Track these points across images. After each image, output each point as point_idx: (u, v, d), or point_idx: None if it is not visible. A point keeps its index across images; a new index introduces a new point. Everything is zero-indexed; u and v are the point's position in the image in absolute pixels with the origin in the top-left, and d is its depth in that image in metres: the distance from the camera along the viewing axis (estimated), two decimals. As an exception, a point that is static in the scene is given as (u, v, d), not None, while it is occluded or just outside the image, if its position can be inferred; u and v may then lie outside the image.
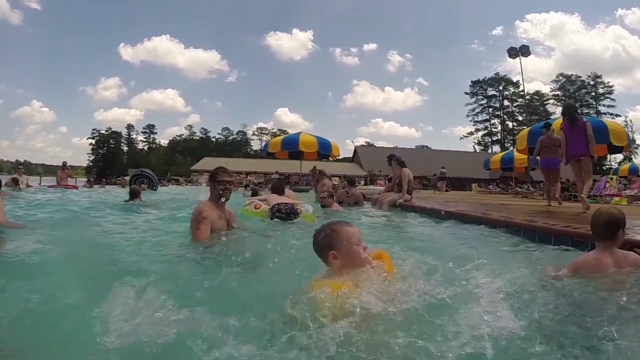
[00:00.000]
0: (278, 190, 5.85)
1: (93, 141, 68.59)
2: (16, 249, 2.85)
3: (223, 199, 3.63)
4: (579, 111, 7.09)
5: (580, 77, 59.60)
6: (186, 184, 28.12)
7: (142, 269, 2.47)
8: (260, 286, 2.23)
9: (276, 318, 1.70)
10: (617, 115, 54.23)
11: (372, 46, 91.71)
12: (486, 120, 64.97)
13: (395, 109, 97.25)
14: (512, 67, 70.35)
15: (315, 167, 19.62)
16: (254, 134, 76.76)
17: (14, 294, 1.94)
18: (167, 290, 2.14)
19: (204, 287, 2.19)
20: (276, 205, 4.99)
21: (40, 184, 17.42)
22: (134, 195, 6.97)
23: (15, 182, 11.39)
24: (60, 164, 15.76)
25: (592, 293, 2.15)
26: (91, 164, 66.46)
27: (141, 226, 4.65)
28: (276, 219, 4.83)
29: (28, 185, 12.92)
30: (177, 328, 1.59)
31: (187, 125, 77.77)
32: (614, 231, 2.46)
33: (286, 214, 4.87)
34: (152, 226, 4.64)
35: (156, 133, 74.63)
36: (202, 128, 76.23)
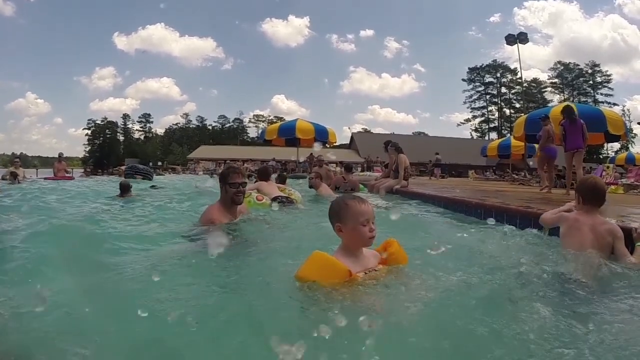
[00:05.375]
0: (265, 175, 6.06)
1: (89, 132, 68.17)
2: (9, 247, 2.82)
3: (236, 204, 3.40)
4: (576, 100, 8.16)
5: (578, 65, 59.46)
6: (183, 173, 28.04)
7: (141, 264, 2.44)
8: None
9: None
10: (615, 104, 54.20)
11: (369, 32, 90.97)
12: (483, 107, 64.94)
13: (392, 96, 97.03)
14: (509, 55, 69.71)
15: (312, 153, 19.58)
16: (250, 122, 76.55)
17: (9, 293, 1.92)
18: (169, 283, 2.14)
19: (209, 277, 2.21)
20: (278, 197, 5.45)
21: (37, 176, 17.34)
22: (124, 190, 6.86)
23: (14, 176, 11.60)
24: (57, 156, 15.78)
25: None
26: (87, 154, 66.22)
27: (136, 220, 4.53)
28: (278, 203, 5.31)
29: (24, 178, 12.94)
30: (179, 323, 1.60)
31: (183, 114, 77.25)
32: (605, 197, 2.81)
33: (286, 203, 5.42)
34: (148, 220, 4.58)
35: (152, 122, 74.21)
36: (199, 116, 75.95)
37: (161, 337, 1.52)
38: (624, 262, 2.49)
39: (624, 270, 2.35)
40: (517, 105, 60.50)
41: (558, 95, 59.21)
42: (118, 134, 70.83)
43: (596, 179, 3.01)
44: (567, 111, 8.11)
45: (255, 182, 5.92)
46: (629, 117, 51.63)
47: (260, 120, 75.33)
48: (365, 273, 1.92)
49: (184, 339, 1.50)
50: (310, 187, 7.02)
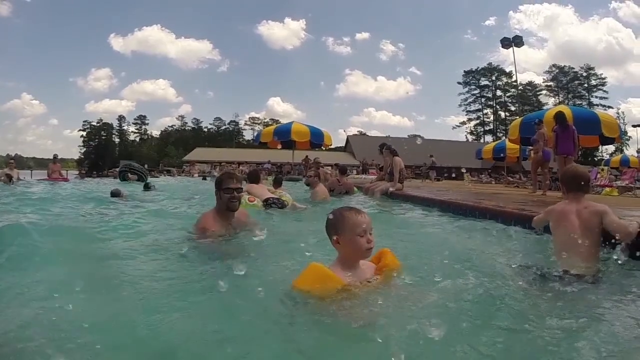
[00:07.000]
0: (255, 179, 6.12)
1: (84, 133, 67.97)
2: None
3: (231, 210, 3.26)
4: (571, 103, 8.37)
5: (573, 68, 60.00)
6: (178, 175, 27.93)
7: (138, 267, 2.44)
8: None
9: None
10: (609, 107, 54.69)
11: (365, 35, 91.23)
12: (479, 110, 65.21)
13: (387, 98, 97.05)
14: (505, 58, 70.04)
15: (307, 156, 19.61)
16: (246, 124, 76.46)
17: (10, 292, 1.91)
18: (165, 288, 2.11)
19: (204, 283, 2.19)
20: (270, 199, 5.50)
21: (31, 177, 17.24)
22: (115, 197, 6.92)
23: (9, 177, 11.48)
24: (52, 157, 15.68)
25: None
26: (82, 156, 65.98)
27: (127, 227, 4.44)
28: (272, 207, 5.40)
29: (19, 179, 12.83)
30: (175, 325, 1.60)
31: (179, 116, 77.20)
32: (589, 184, 2.92)
33: (278, 205, 5.47)
34: (139, 225, 4.51)
35: (148, 124, 74.11)
36: (194, 118, 75.84)
37: (155, 343, 1.51)
38: (615, 228, 2.45)
39: (619, 267, 2.35)
40: (512, 108, 60.90)
41: (553, 98, 59.67)
42: (113, 135, 70.63)
43: (577, 166, 3.06)
44: (558, 117, 8.33)
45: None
46: (624, 120, 52.17)
47: (255, 123, 75.34)
48: (361, 283, 1.90)
49: (176, 348, 1.48)
50: (307, 184, 7.04)
